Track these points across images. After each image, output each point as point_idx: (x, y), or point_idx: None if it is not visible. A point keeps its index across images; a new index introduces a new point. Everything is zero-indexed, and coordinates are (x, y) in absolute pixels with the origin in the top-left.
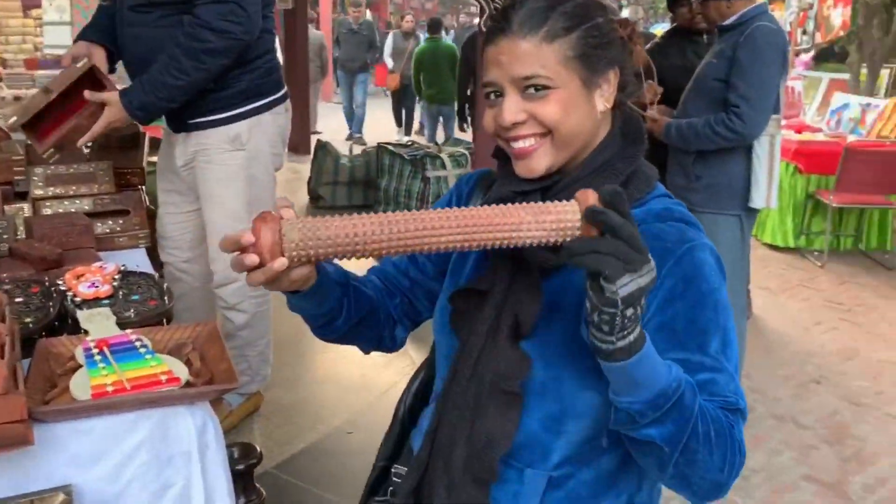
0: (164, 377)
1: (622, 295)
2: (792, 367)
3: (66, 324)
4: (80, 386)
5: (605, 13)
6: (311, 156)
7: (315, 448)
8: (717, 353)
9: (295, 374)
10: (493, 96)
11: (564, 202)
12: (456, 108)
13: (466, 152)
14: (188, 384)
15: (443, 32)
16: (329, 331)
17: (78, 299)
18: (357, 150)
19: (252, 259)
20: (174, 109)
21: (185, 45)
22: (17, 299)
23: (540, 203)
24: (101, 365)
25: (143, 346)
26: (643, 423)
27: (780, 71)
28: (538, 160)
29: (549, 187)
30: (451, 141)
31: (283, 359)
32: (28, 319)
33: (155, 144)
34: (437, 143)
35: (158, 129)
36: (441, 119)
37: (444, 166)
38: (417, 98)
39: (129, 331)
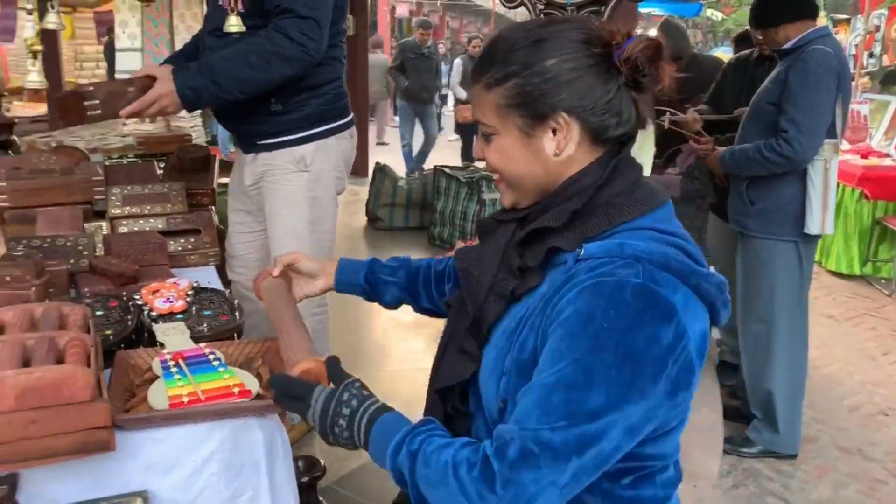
0: (236, 389)
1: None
2: (858, 397)
3: (142, 336)
4: (158, 396)
5: (566, 52)
6: (370, 178)
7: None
8: (554, 381)
9: None
10: None
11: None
12: None
13: None
14: (258, 397)
15: None
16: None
17: (154, 313)
18: None
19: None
20: (244, 131)
21: (258, 44)
22: (98, 312)
23: (290, 354)
24: (178, 376)
25: (216, 359)
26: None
27: (835, 94)
28: (504, 195)
29: (524, 217)
30: None
31: None
32: (108, 332)
33: (225, 167)
34: None
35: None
36: None
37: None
38: None
39: (202, 344)
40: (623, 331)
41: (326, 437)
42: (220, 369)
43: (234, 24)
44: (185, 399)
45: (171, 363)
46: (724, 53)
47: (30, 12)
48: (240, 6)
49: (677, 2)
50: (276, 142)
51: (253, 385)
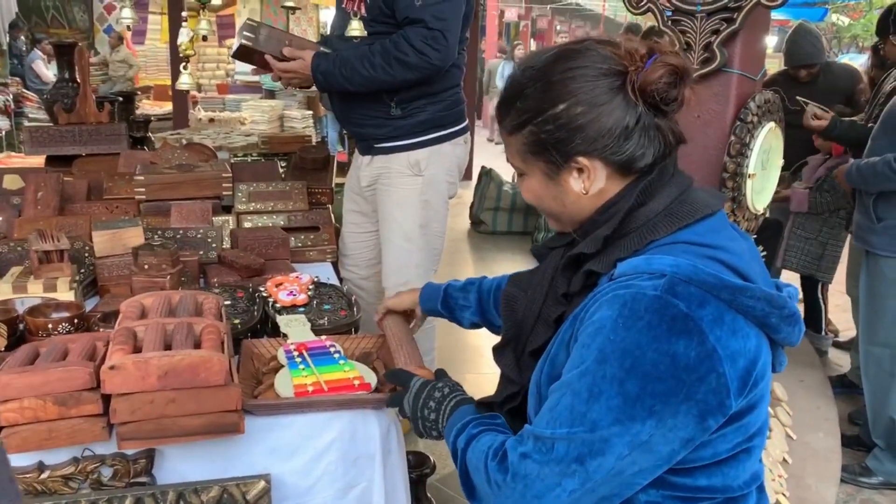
0: (356, 382)
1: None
2: None
3: (266, 327)
4: (284, 384)
5: (576, 93)
6: (475, 181)
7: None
8: (565, 388)
9: None
10: None
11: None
12: None
13: None
14: (377, 390)
15: None
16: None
17: (278, 305)
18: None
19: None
20: (363, 133)
21: (384, 47)
22: (226, 302)
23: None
24: (301, 366)
25: (336, 351)
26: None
27: None
28: (549, 222)
29: (571, 242)
30: None
31: None
32: (236, 321)
33: (341, 168)
34: None
35: (343, 154)
36: None
37: None
38: None
39: (323, 337)
40: (631, 343)
41: (416, 421)
42: (341, 361)
43: (355, 28)
44: (310, 388)
45: (296, 353)
46: (851, 61)
47: (185, 20)
48: (362, 11)
49: (801, 6)
50: (392, 146)
51: (371, 378)
